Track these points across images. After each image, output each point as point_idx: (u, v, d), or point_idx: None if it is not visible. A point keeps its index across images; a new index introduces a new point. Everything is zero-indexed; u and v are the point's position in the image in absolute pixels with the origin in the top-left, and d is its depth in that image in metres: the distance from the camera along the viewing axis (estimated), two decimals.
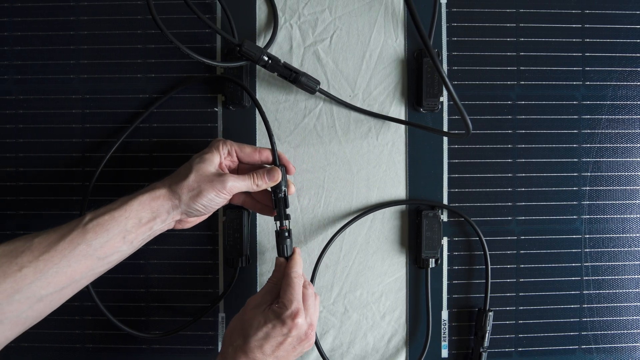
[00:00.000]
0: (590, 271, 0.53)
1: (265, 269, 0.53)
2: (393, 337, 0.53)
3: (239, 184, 0.43)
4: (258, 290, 0.53)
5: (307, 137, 0.53)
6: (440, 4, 0.52)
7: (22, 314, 0.36)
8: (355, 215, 0.52)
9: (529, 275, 0.53)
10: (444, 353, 0.53)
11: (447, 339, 0.53)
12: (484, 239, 0.52)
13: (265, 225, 0.53)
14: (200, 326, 0.52)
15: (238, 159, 0.46)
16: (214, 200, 0.42)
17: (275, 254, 0.47)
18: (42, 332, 0.52)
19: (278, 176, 0.45)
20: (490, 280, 0.52)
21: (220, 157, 0.44)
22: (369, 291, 0.53)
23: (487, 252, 0.52)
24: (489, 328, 0.51)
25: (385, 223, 0.53)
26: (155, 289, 0.53)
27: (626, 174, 0.53)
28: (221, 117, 0.53)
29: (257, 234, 0.53)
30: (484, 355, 0.51)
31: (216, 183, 0.42)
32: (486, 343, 0.51)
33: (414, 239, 0.53)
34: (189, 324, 0.51)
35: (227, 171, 0.46)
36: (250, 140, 0.53)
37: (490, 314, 0.51)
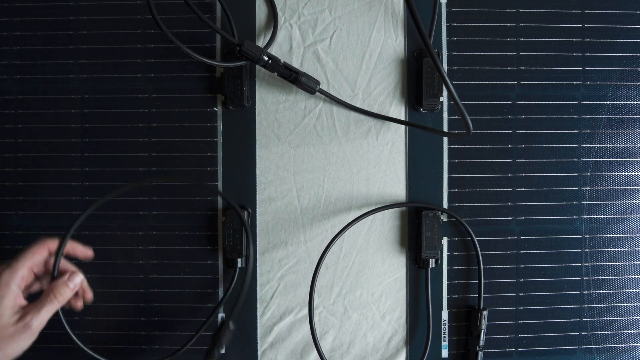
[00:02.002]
0: (590, 271, 0.53)
1: (265, 269, 0.53)
2: (393, 337, 0.53)
3: (46, 314, 0.38)
4: (258, 290, 0.53)
5: (307, 137, 0.53)
6: (440, 3, 0.52)
7: None
8: (353, 219, 0.52)
9: (529, 275, 0.53)
10: (444, 353, 0.53)
11: (447, 339, 0.53)
12: (476, 239, 0.52)
13: (265, 225, 0.53)
14: (200, 327, 0.52)
15: (35, 274, 0.41)
16: (19, 350, 0.37)
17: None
18: (41, 332, 0.52)
19: (79, 277, 0.41)
20: (483, 280, 0.52)
21: (14, 291, 0.38)
22: (369, 291, 0.53)
23: (479, 252, 0.52)
24: (484, 327, 0.51)
25: (385, 223, 0.53)
26: (154, 289, 0.52)
27: (626, 174, 0.53)
28: (221, 117, 0.53)
29: (257, 234, 0.53)
30: (480, 354, 0.51)
31: (18, 334, 0.36)
32: (482, 342, 0.51)
33: (414, 239, 0.53)
34: (190, 340, 0.51)
35: (23, 297, 0.39)
36: (250, 140, 0.53)
37: (485, 312, 0.51)
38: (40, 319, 0.38)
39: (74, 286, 0.41)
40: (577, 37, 0.53)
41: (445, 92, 0.53)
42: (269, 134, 0.53)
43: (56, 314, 0.42)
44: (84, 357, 0.52)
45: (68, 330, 0.47)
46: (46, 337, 0.53)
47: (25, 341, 0.37)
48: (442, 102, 0.53)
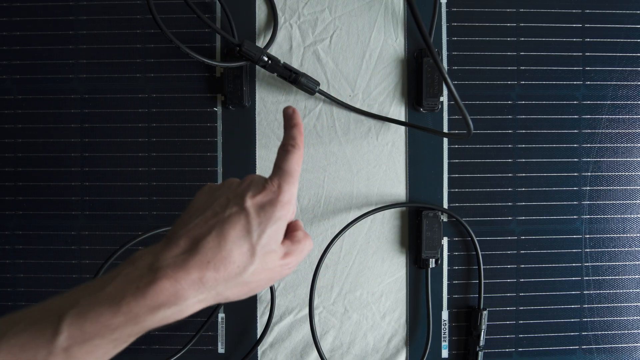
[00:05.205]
0: (590, 271, 0.53)
1: None
2: (393, 337, 0.53)
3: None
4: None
5: (307, 137, 0.53)
6: (440, 3, 0.52)
7: None
8: (353, 219, 0.52)
9: (529, 276, 0.53)
10: (444, 353, 0.53)
11: (447, 339, 0.53)
12: (476, 239, 0.52)
13: None
14: (200, 327, 0.52)
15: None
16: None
17: None
18: None
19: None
20: (483, 280, 0.52)
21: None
22: (369, 291, 0.53)
23: (480, 252, 0.52)
24: (484, 327, 0.51)
25: (385, 223, 0.53)
26: None
27: (626, 173, 0.53)
28: (221, 117, 0.52)
29: None
30: (480, 354, 0.51)
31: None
32: (482, 342, 0.51)
33: (414, 239, 0.53)
34: (190, 340, 0.51)
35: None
36: (250, 140, 0.53)
37: (485, 312, 0.51)
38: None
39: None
40: (577, 37, 0.53)
41: (445, 92, 0.53)
42: (269, 134, 0.53)
43: None
44: None
45: None
46: None
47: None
48: (442, 102, 0.53)
